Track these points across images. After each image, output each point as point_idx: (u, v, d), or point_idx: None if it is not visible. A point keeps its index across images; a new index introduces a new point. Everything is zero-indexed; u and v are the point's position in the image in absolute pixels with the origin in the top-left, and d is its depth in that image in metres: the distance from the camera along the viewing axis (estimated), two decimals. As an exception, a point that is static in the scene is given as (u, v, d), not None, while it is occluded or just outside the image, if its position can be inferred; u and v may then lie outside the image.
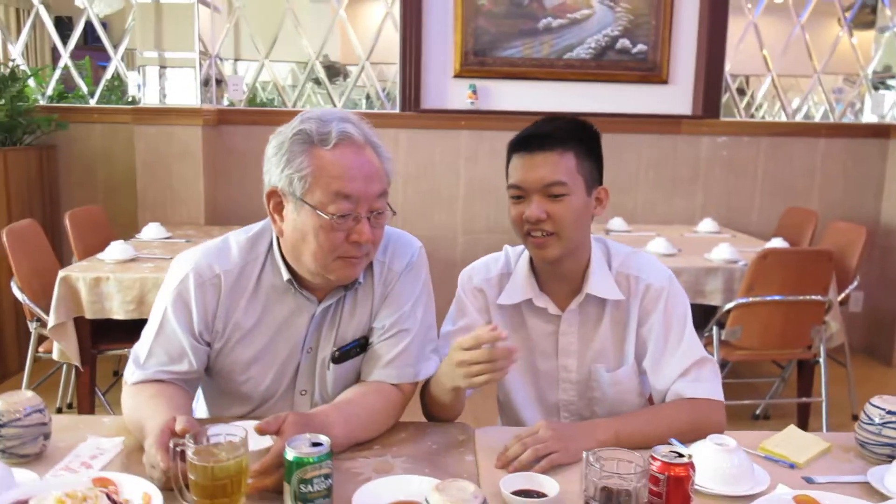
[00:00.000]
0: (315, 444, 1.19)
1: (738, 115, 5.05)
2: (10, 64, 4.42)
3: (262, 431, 1.29)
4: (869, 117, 5.08)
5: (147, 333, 1.55)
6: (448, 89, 4.64)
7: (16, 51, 4.70)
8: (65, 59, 4.71)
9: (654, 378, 1.66)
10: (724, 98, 4.81)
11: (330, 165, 1.41)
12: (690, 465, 1.16)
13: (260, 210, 1.51)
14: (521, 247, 1.73)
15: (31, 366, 3.29)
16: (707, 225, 4.39)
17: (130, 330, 1.59)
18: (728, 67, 4.78)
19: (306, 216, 1.43)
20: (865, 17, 5.02)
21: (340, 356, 1.60)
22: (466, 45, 4.58)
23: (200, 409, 1.74)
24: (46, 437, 1.41)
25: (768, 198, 4.86)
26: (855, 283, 3.80)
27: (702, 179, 4.83)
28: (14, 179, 4.10)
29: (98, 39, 4.79)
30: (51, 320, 2.97)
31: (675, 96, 4.77)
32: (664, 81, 4.73)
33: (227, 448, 1.20)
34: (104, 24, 4.77)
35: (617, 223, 4.30)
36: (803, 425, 3.32)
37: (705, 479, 1.30)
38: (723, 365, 3.59)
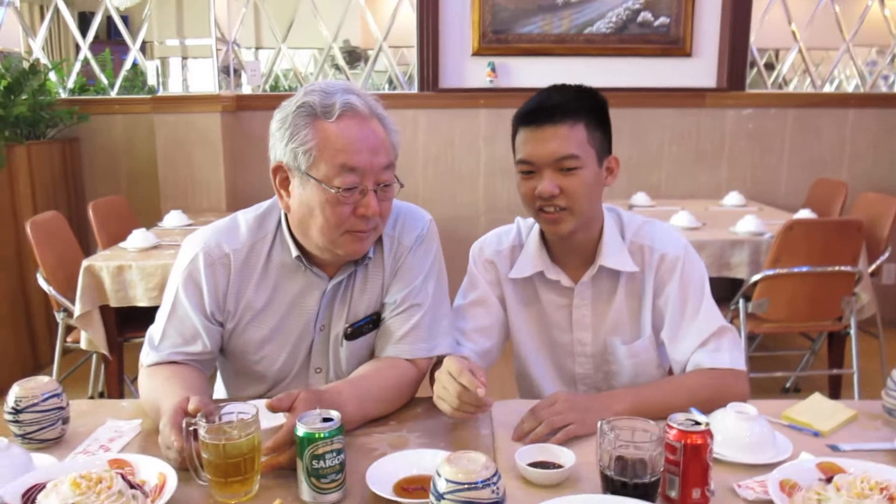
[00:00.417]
0: (326, 420, 1.18)
1: (766, 88, 4.94)
2: (31, 58, 4.46)
3: (273, 408, 1.28)
4: (902, 88, 4.96)
5: (161, 315, 1.56)
6: (466, 68, 4.60)
7: (36, 45, 4.74)
8: (84, 52, 4.74)
9: (672, 349, 1.63)
10: (752, 73, 4.71)
11: (334, 138, 1.39)
12: (708, 433, 1.13)
13: (279, 195, 1.49)
14: (532, 219, 1.70)
15: (61, 356, 3.33)
16: (733, 198, 4.32)
17: (155, 317, 1.59)
18: (753, 40, 4.67)
19: (312, 190, 1.41)
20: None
21: (353, 332, 1.59)
22: (485, 23, 4.53)
23: (219, 390, 1.75)
24: (65, 421, 1.42)
25: (796, 170, 4.76)
26: (886, 255, 3.71)
27: (727, 153, 4.75)
28: (38, 173, 4.15)
29: (119, 34, 4.83)
30: (77, 309, 3.01)
31: (699, 69, 4.68)
32: (687, 54, 4.64)
33: (238, 426, 1.19)
34: (125, 18, 4.79)
35: (640, 198, 4.24)
36: (835, 398, 3.23)
37: (726, 447, 1.27)
38: (751, 338, 3.53)
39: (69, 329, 3.27)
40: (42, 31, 4.86)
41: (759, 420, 1.31)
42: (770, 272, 3.12)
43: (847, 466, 1.19)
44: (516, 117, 1.61)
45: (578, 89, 1.61)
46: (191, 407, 1.24)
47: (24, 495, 1.15)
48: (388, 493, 1.17)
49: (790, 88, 5.26)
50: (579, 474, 1.24)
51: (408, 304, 1.57)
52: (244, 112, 4.55)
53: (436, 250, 1.63)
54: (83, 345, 3.13)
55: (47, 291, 3.19)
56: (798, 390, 3.77)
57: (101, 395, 3.64)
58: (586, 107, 1.58)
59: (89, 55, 4.76)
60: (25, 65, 4.35)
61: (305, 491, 1.17)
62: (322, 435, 1.15)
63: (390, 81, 5.25)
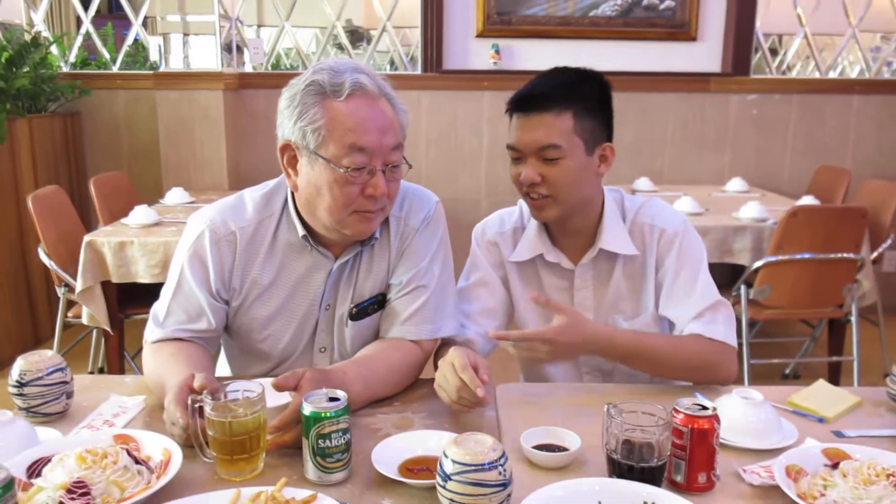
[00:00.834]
0: (332, 399, 1.18)
1: (771, 74, 4.92)
2: (33, 31, 4.42)
3: (279, 387, 1.28)
4: (907, 74, 4.93)
5: (166, 292, 1.55)
6: (470, 49, 4.57)
7: (38, 18, 4.70)
8: (86, 26, 4.71)
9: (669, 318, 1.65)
10: (756, 58, 4.69)
11: (343, 117, 1.37)
12: (715, 418, 1.13)
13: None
14: None
15: (61, 331, 3.33)
16: (736, 184, 4.31)
17: (156, 294, 1.58)
18: (759, 25, 4.64)
19: (320, 170, 1.40)
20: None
21: (358, 313, 1.58)
22: (489, 4, 4.50)
23: (223, 370, 1.74)
24: (69, 395, 1.42)
25: (800, 157, 4.75)
26: (888, 242, 3.70)
27: (731, 138, 4.73)
28: (40, 147, 4.14)
29: (121, 8, 4.79)
30: (78, 284, 3.00)
31: (704, 54, 4.65)
32: (692, 38, 4.61)
33: (244, 404, 1.20)
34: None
35: (643, 183, 4.23)
36: (834, 384, 3.25)
37: (732, 432, 1.27)
38: (752, 324, 3.53)
39: (70, 304, 3.27)
40: (44, 4, 4.81)
41: (765, 406, 1.31)
42: (772, 259, 3.12)
43: (852, 452, 1.19)
44: (509, 102, 1.61)
45: (576, 74, 1.60)
46: (196, 384, 1.24)
47: (29, 468, 1.16)
48: (393, 474, 1.17)
49: (793, 74, 5.23)
50: (585, 457, 1.24)
51: (413, 285, 1.56)
52: (247, 90, 4.53)
53: (442, 232, 1.63)
54: (84, 320, 3.13)
55: (48, 266, 3.18)
56: (798, 377, 3.78)
57: (101, 371, 3.64)
58: (579, 94, 1.56)
59: (91, 29, 4.73)
60: (27, 37, 4.32)
61: (311, 470, 1.17)
62: (328, 414, 1.15)
63: (392, 62, 5.22)
